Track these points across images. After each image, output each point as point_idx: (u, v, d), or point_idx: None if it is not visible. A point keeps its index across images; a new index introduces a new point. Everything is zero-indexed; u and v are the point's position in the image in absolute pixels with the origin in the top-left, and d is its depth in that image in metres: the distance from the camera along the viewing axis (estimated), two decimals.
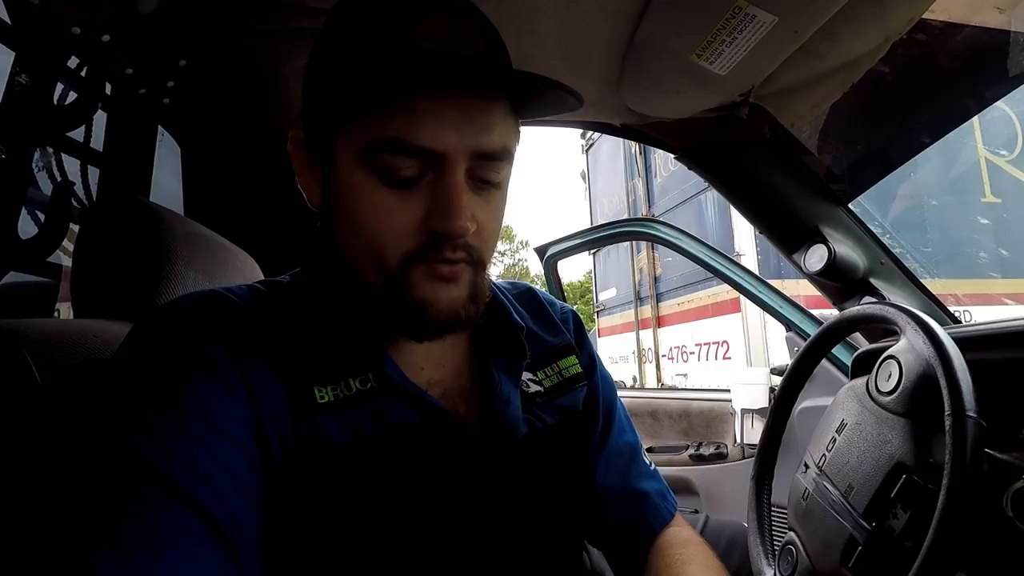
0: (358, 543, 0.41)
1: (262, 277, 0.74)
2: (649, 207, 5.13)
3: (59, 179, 0.88)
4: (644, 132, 1.08)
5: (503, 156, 0.43)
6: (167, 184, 1.04)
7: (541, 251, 1.75)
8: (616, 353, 5.69)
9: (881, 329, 0.63)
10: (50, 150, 0.87)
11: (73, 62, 0.87)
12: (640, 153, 5.23)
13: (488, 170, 0.43)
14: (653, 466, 0.66)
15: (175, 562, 0.33)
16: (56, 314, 0.89)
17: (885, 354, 0.62)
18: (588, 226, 1.88)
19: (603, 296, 6.09)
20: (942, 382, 0.50)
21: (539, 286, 0.72)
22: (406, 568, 0.42)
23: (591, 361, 0.62)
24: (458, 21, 0.42)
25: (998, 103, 1.13)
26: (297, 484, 0.40)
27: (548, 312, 0.62)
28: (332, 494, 0.41)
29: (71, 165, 0.90)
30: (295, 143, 0.48)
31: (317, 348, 0.45)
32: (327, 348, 0.45)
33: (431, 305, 0.43)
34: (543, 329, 0.60)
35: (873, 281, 1.01)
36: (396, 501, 0.43)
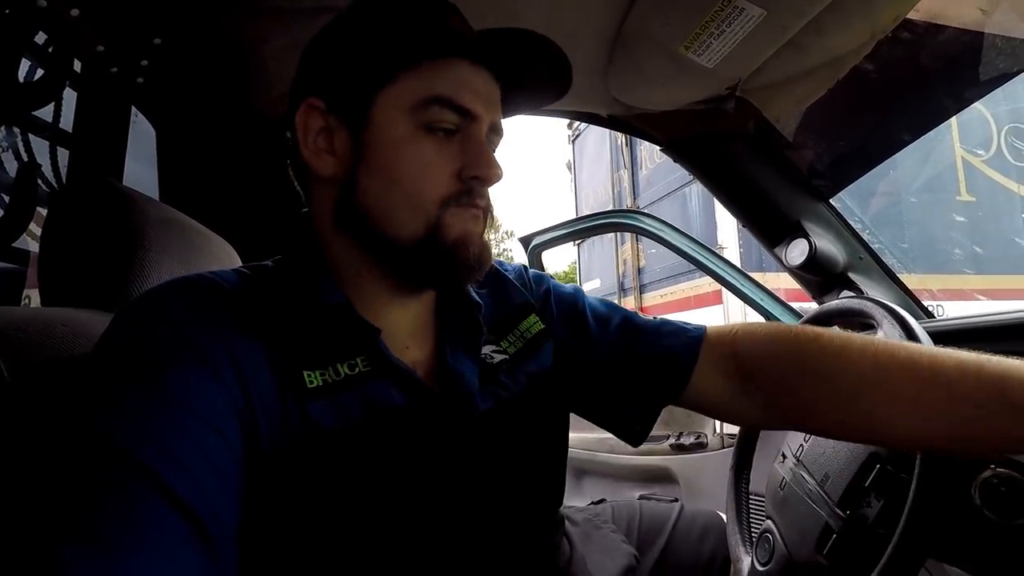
0: (346, 527, 0.41)
1: (240, 264, 0.73)
2: (634, 199, 5.14)
3: (25, 160, 0.84)
4: (631, 123, 1.08)
5: (501, 133, 0.51)
6: (141, 168, 1.01)
7: (526, 241, 1.74)
8: None
9: (859, 322, 0.64)
10: (16, 130, 0.83)
11: (41, 38, 0.83)
12: (626, 145, 5.22)
13: (493, 142, 0.51)
14: (656, 317, 0.63)
15: (151, 557, 0.32)
16: (26, 300, 0.86)
17: None
18: (573, 216, 1.88)
19: (587, 287, 6.12)
20: None
21: None
22: (393, 550, 0.43)
23: (546, 299, 0.62)
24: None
25: (975, 103, 1.15)
26: (285, 469, 0.40)
27: (504, 278, 0.61)
28: (321, 479, 0.41)
29: (39, 146, 0.87)
30: (310, 110, 0.47)
31: (306, 331, 0.44)
32: (316, 331, 0.45)
33: (465, 243, 0.47)
34: (499, 298, 0.59)
35: (852, 275, 1.03)
36: (386, 484, 0.43)
